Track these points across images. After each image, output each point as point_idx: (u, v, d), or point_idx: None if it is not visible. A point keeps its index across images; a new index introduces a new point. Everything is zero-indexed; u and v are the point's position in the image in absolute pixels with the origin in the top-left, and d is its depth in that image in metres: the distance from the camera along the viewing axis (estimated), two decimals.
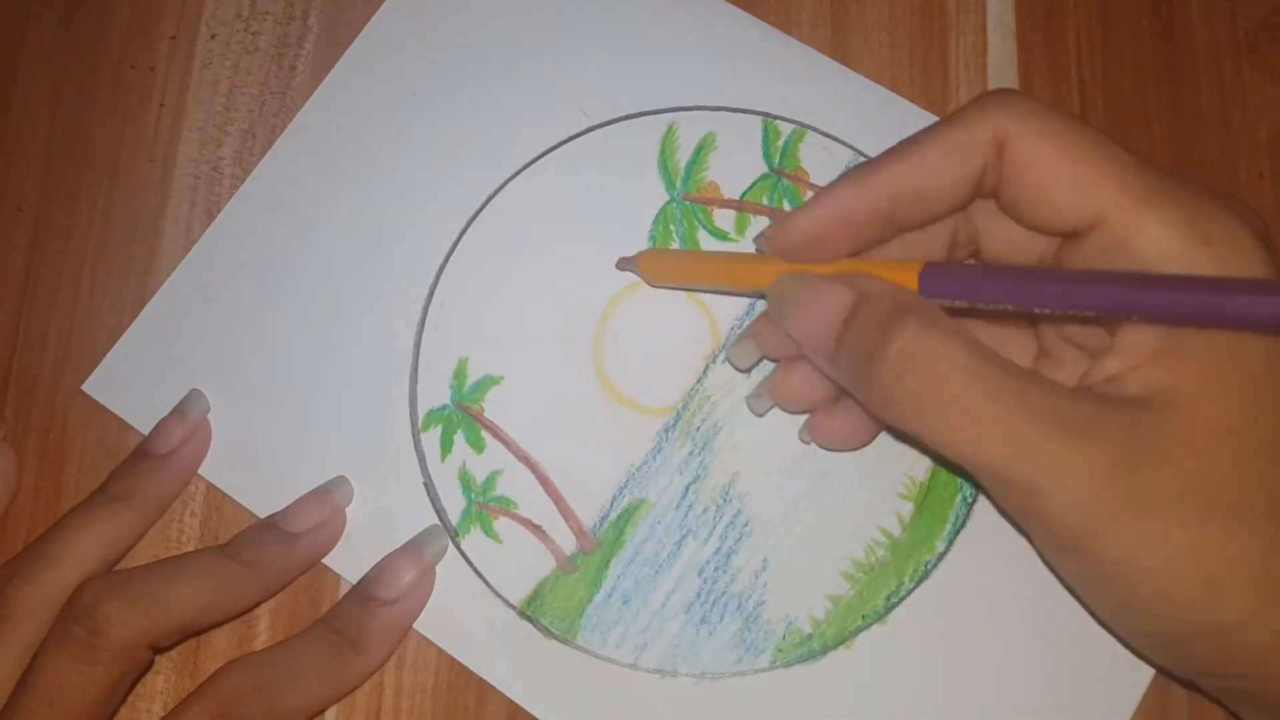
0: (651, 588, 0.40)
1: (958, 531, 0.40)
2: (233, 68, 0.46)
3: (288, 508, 0.40)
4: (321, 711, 0.38)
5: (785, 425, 0.41)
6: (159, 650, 0.37)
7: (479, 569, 0.40)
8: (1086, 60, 0.45)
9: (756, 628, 0.39)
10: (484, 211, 0.43)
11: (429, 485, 0.41)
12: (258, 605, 0.40)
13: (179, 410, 0.41)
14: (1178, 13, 0.45)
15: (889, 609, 0.39)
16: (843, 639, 0.39)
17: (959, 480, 0.40)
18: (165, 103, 0.46)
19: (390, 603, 0.38)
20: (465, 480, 0.41)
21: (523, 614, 0.40)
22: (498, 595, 0.40)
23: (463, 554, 0.40)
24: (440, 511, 0.41)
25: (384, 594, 0.38)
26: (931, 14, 0.46)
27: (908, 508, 0.40)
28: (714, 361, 0.42)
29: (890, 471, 0.40)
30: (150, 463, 0.40)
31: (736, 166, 0.44)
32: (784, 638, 0.39)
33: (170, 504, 0.41)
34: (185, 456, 0.40)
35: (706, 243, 0.43)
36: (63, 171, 0.45)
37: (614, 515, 0.40)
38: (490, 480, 0.41)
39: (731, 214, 0.43)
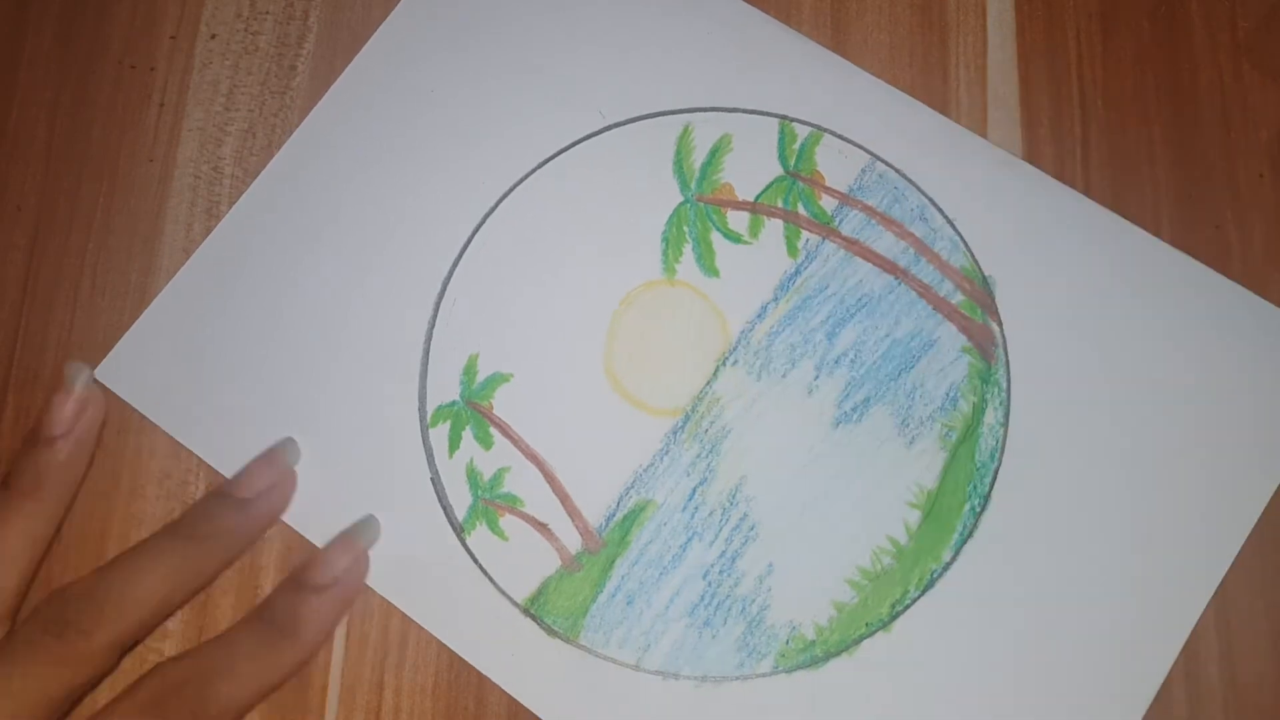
0: (655, 589, 0.40)
1: (964, 541, 0.40)
2: (233, 68, 0.46)
3: (237, 474, 0.40)
4: (259, 701, 0.38)
5: (795, 430, 0.41)
6: (130, 649, 0.37)
7: (483, 565, 0.40)
8: (1086, 60, 0.45)
9: (760, 632, 0.39)
10: (498, 209, 0.43)
11: (436, 480, 0.41)
12: (220, 574, 0.40)
13: (268, 456, 0.40)
14: (1178, 13, 0.45)
15: (893, 617, 0.39)
16: (846, 646, 0.39)
17: (967, 489, 0.40)
18: (165, 103, 0.46)
19: (321, 588, 0.38)
20: (472, 476, 0.41)
21: (526, 611, 0.40)
22: (502, 592, 0.40)
23: (468, 550, 0.40)
24: (446, 507, 0.41)
25: (315, 579, 0.38)
26: (931, 14, 0.46)
27: (915, 516, 0.40)
28: (724, 363, 0.42)
29: (900, 479, 0.40)
30: (231, 504, 0.39)
31: (752, 168, 0.44)
32: (787, 643, 0.39)
33: (247, 549, 0.40)
34: (269, 503, 0.40)
35: (720, 244, 0.43)
36: (63, 171, 0.45)
37: (620, 516, 0.40)
38: (497, 477, 0.41)
39: (746, 216, 0.43)
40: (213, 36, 0.46)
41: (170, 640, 0.40)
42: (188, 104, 0.46)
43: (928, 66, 0.45)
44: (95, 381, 0.41)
